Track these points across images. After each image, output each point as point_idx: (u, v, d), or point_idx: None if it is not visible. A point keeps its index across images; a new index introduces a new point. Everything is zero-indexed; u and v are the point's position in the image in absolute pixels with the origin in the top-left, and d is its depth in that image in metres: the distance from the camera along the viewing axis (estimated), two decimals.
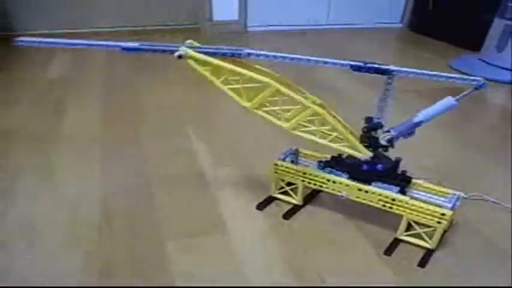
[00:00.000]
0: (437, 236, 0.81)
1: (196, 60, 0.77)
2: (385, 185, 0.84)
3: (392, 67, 0.77)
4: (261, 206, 0.95)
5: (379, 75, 0.78)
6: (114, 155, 1.16)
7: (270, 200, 0.97)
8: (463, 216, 0.93)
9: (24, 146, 1.20)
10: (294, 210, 0.94)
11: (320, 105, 0.82)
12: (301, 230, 0.89)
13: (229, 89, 0.80)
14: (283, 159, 0.94)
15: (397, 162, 0.86)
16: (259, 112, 0.82)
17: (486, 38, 2.04)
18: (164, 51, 0.77)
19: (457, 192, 0.85)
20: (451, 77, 0.77)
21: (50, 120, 1.36)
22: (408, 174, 0.86)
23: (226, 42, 2.43)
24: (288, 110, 0.81)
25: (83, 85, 1.68)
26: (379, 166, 0.84)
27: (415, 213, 0.81)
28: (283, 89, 0.77)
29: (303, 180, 0.92)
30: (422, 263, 0.80)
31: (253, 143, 1.24)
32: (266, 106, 0.82)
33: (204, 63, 0.78)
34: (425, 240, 0.83)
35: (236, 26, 2.62)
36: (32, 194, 0.98)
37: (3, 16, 2.30)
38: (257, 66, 0.82)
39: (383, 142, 0.83)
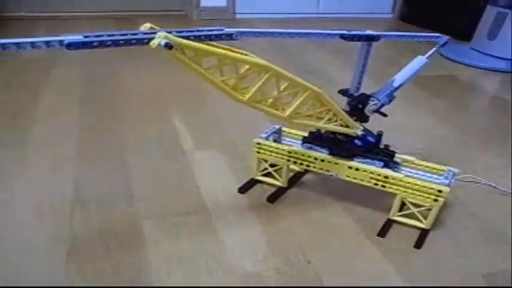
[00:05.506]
0: (432, 215, 0.76)
1: (182, 48, 0.57)
2: (368, 160, 0.79)
3: (378, 32, 0.77)
4: (243, 189, 0.89)
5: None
6: (92, 136, 1.09)
7: (252, 182, 0.91)
8: (457, 198, 0.89)
9: None
10: (279, 192, 0.88)
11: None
12: (286, 212, 0.83)
13: (224, 82, 0.63)
14: (266, 138, 0.88)
15: (379, 136, 0.81)
16: (259, 106, 0.67)
17: (478, 26, 2.01)
18: (130, 41, 0.53)
19: (452, 168, 0.80)
20: (415, 36, 0.80)
21: (26, 100, 1.28)
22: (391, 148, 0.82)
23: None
24: (288, 96, 0.68)
25: (60, 65, 1.59)
26: (371, 139, 0.79)
27: (410, 191, 0.76)
28: (286, 73, 0.65)
29: (288, 160, 0.86)
30: (419, 244, 0.75)
31: (236, 123, 1.18)
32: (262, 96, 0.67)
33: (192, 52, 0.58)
34: (419, 220, 0.78)
35: (224, 12, 2.54)
36: (4, 173, 0.92)
37: None
38: (235, 49, 0.68)
39: (369, 113, 0.78)
